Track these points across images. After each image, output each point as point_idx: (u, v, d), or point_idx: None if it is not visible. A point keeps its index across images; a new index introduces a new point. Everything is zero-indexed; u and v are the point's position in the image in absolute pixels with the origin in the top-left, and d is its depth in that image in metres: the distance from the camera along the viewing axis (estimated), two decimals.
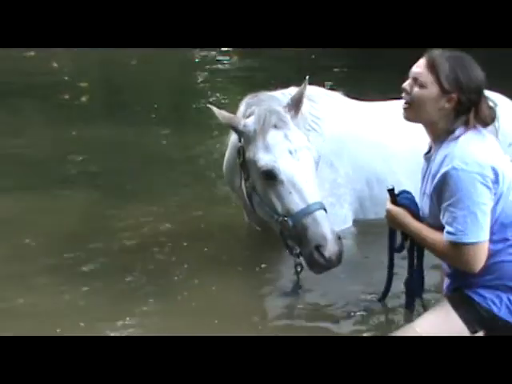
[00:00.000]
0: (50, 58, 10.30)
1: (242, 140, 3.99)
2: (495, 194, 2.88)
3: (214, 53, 11.50)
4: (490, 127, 3.04)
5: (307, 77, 4.09)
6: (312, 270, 3.77)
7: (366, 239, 4.65)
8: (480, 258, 2.89)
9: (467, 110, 2.95)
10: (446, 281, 3.20)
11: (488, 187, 2.86)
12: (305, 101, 4.36)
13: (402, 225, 3.15)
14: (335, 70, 10.06)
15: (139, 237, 4.78)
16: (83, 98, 8.81)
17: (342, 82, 6.73)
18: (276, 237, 4.02)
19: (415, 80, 2.99)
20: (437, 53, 3.00)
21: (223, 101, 8.60)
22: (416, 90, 2.98)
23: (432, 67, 2.96)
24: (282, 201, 3.80)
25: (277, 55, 10.04)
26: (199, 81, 10.23)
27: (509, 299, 2.97)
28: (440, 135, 3.01)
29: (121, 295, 4.03)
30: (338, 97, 4.98)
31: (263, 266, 4.40)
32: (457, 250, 2.89)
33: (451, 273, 3.13)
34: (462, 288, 3.05)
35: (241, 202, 4.54)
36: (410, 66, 3.06)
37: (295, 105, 4.09)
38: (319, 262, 3.65)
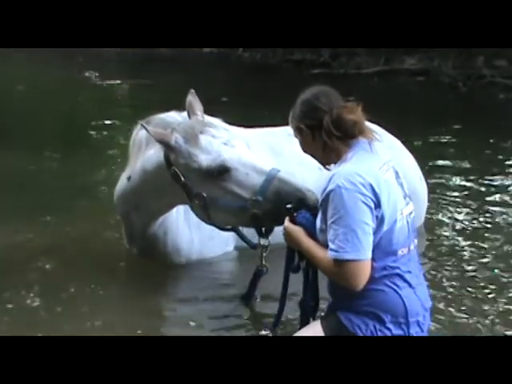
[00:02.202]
0: None
1: (173, 157, 4.00)
2: (377, 216, 2.93)
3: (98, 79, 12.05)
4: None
5: (192, 90, 4.23)
6: None
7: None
8: (360, 276, 2.91)
9: (318, 131, 3.15)
10: (329, 300, 3.27)
11: (370, 207, 2.91)
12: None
13: (296, 242, 3.21)
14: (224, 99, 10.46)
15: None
16: None
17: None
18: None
19: None
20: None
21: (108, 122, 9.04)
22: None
23: (290, 124, 3.38)
24: (244, 185, 3.83)
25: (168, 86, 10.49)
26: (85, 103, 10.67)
27: (374, 327, 3.02)
28: (327, 162, 3.25)
29: None
30: (217, 122, 5.03)
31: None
32: (338, 267, 2.93)
33: (331, 292, 3.21)
34: (337, 310, 3.13)
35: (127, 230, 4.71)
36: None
37: (193, 113, 4.16)
38: None
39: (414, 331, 3.06)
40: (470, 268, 4.99)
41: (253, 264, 4.03)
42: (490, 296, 4.56)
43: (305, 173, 5.02)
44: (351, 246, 2.88)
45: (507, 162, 7.92)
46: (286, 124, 5.26)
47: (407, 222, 3.06)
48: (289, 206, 3.31)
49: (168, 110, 4.47)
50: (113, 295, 4.50)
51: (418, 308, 3.08)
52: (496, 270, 4.95)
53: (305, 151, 3.33)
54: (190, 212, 4.64)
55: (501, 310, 4.38)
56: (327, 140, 3.10)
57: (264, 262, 3.88)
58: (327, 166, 3.29)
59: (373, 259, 2.95)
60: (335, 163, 3.17)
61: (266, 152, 5.09)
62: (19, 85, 11.33)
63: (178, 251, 4.71)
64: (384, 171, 3.03)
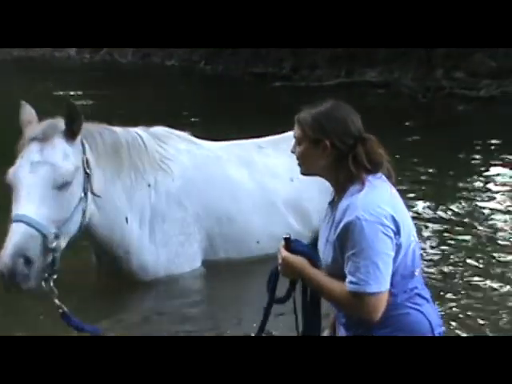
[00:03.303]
0: None
1: None
2: (396, 244, 2.88)
3: None
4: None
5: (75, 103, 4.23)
6: None
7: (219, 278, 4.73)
8: (380, 308, 2.86)
9: (347, 157, 2.94)
10: (341, 331, 3.13)
11: (390, 237, 2.85)
12: (152, 140, 4.70)
13: (300, 273, 3.02)
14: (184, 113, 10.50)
15: None
16: None
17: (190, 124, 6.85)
18: None
19: (296, 141, 3.06)
20: (302, 111, 3.05)
21: None
22: (297, 148, 3.05)
23: (299, 124, 3.02)
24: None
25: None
26: None
27: None
28: (340, 186, 3.00)
29: None
30: (186, 137, 5.10)
31: None
32: (358, 300, 2.85)
33: (346, 324, 3.08)
34: None
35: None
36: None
37: (72, 131, 4.06)
38: None
39: None
40: None
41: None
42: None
43: (277, 184, 5.03)
44: (373, 279, 2.82)
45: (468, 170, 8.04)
46: (251, 137, 5.26)
47: (416, 242, 3.02)
48: (285, 235, 3.09)
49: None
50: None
51: (438, 319, 3.06)
52: None
53: (300, 159, 3.06)
54: (155, 230, 4.62)
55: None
56: (353, 169, 2.92)
57: None
58: (305, 176, 3.15)
59: (392, 285, 2.89)
60: (337, 186, 3.03)
61: (238, 165, 5.08)
62: None
63: (143, 269, 4.65)
64: (394, 195, 2.98)
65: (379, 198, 2.89)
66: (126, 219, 4.53)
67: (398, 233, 2.87)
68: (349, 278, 2.85)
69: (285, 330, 3.54)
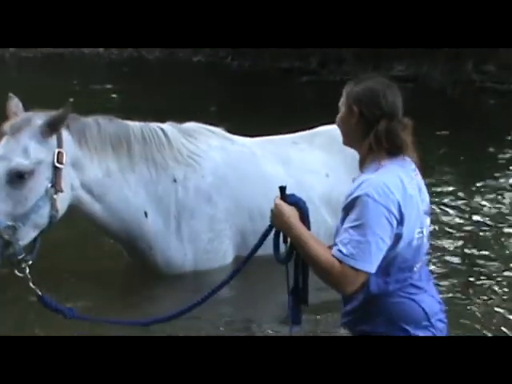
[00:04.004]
0: None
1: None
2: (396, 234, 2.90)
3: None
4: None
5: (70, 99, 4.14)
6: None
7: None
8: (355, 285, 2.89)
9: (371, 129, 3.00)
10: (344, 318, 3.18)
11: (391, 225, 2.87)
12: (179, 135, 4.68)
13: (287, 224, 3.03)
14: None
15: None
16: None
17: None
18: None
19: (339, 108, 3.18)
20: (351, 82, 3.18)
21: None
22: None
23: (343, 92, 3.15)
24: None
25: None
26: None
27: None
28: (361, 160, 3.09)
29: None
30: (219, 132, 5.06)
31: None
32: (339, 269, 2.85)
33: (347, 312, 3.13)
34: (357, 330, 3.11)
35: None
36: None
37: (48, 126, 4.07)
38: None
39: (439, 329, 3.08)
40: None
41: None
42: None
43: (313, 180, 4.98)
44: (361, 256, 2.84)
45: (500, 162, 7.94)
46: (280, 132, 5.23)
47: (424, 238, 3.03)
48: (281, 185, 3.14)
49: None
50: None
51: (435, 307, 3.09)
52: None
53: (339, 126, 3.18)
54: (182, 226, 4.61)
55: None
56: (373, 144, 3.00)
57: None
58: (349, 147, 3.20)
59: (387, 274, 2.95)
60: (360, 160, 3.09)
61: (274, 161, 5.05)
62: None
63: (169, 264, 4.65)
64: (410, 187, 2.98)
65: (392, 183, 2.91)
66: (145, 214, 4.52)
67: (400, 223, 2.89)
68: (339, 246, 2.88)
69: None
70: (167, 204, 4.59)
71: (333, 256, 2.87)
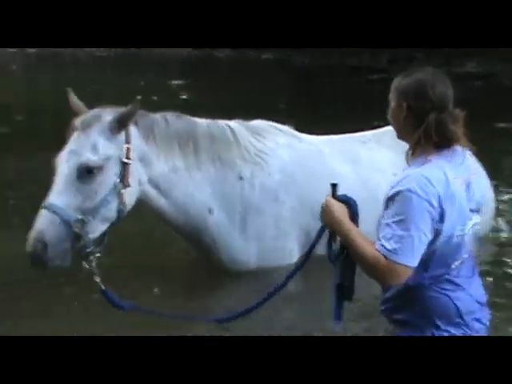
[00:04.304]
0: None
1: None
2: (436, 229, 2.88)
3: None
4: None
5: (138, 97, 4.14)
6: None
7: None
8: (399, 280, 2.89)
9: (421, 122, 2.96)
10: (383, 305, 3.18)
11: (433, 220, 2.87)
12: (246, 133, 4.69)
13: (336, 222, 3.05)
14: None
15: None
16: None
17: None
18: None
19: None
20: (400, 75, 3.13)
21: None
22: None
23: (391, 86, 3.13)
24: None
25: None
26: None
27: (432, 333, 3.00)
28: (411, 154, 3.06)
29: None
30: (288, 131, 5.03)
31: None
32: (384, 264, 2.86)
33: (388, 299, 3.12)
34: (391, 320, 3.14)
35: None
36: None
37: (117, 122, 4.12)
38: None
39: (475, 329, 3.04)
40: None
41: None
42: None
43: (381, 179, 4.94)
44: (404, 251, 2.85)
45: None
46: (348, 131, 5.18)
47: (467, 236, 3.00)
48: (333, 182, 3.16)
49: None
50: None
51: (472, 306, 3.05)
52: None
53: (390, 120, 3.17)
54: (247, 223, 4.64)
55: None
56: (422, 138, 2.96)
57: None
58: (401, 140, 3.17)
59: (424, 268, 2.94)
60: (412, 153, 3.06)
61: (342, 160, 5.03)
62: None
63: (232, 260, 4.69)
64: (456, 183, 2.94)
65: (434, 177, 2.88)
66: (210, 210, 4.57)
67: (441, 219, 2.87)
68: (382, 241, 2.89)
69: None
70: (232, 201, 4.63)
71: (377, 251, 2.88)
